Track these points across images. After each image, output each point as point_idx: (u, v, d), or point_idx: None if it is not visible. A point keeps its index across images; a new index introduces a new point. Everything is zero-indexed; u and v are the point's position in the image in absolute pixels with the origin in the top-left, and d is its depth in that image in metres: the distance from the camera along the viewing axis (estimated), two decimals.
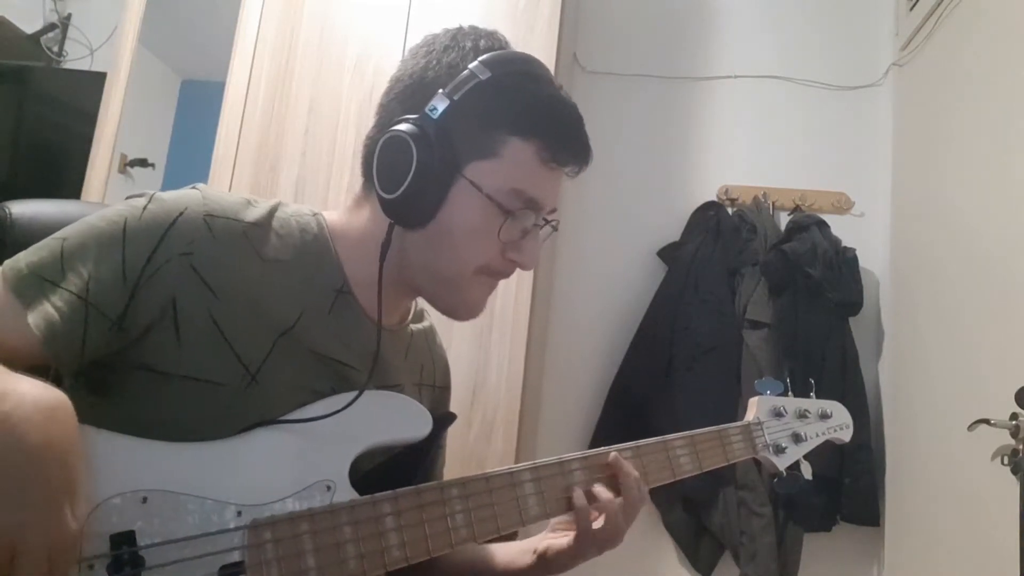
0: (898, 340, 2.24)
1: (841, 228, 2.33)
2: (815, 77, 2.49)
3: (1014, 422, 1.38)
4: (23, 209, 0.92)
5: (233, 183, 2.08)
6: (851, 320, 2.26)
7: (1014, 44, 1.67)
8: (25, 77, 2.62)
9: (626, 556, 2.37)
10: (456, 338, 1.95)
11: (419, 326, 0.99)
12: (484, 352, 1.95)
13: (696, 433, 0.99)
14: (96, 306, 0.73)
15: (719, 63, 2.56)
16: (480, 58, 0.80)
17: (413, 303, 0.99)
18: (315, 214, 0.88)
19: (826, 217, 2.33)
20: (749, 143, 2.51)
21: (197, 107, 2.45)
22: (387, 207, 0.81)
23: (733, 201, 2.43)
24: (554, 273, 2.48)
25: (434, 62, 0.84)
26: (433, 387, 1.01)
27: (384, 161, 0.80)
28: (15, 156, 2.54)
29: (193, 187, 0.82)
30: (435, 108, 0.78)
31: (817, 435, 1.12)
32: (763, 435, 1.06)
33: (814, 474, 2.03)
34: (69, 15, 2.73)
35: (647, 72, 2.56)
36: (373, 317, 0.86)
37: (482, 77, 0.79)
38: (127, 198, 0.80)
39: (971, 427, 1.47)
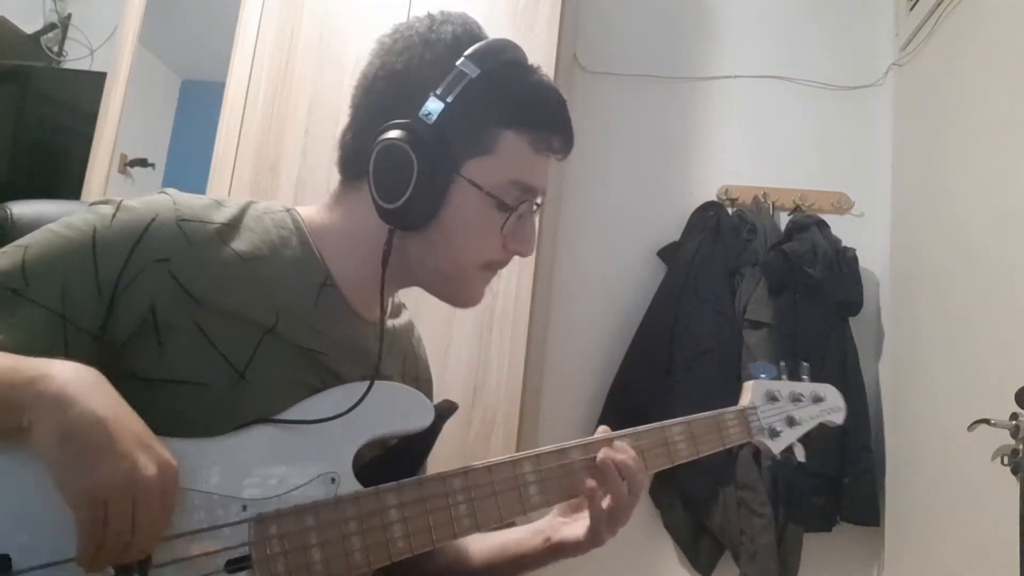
0: (898, 340, 2.24)
1: (841, 228, 2.33)
2: (815, 77, 2.49)
3: (1014, 422, 1.38)
4: (24, 209, 0.91)
5: (233, 183, 2.07)
6: (851, 320, 2.26)
7: (1014, 44, 1.67)
8: (25, 77, 2.61)
9: (626, 556, 2.39)
10: (456, 338, 1.94)
11: (399, 321, 0.99)
12: (484, 352, 1.95)
13: (693, 418, 1.00)
14: (73, 321, 0.71)
15: (719, 63, 2.56)
16: (466, 54, 0.80)
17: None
18: (288, 210, 0.88)
19: (826, 217, 2.34)
20: (749, 143, 2.51)
21: (197, 107, 2.45)
22: (387, 215, 0.80)
23: (733, 201, 2.43)
24: (554, 273, 2.48)
25: (415, 59, 0.83)
26: (417, 380, 1.01)
27: (382, 170, 0.79)
28: (15, 156, 2.54)
29: (162, 191, 0.81)
30: (429, 112, 0.78)
31: (811, 418, 1.13)
32: (758, 419, 1.07)
33: (815, 473, 2.06)
34: (69, 15, 2.73)
35: (647, 72, 2.56)
36: (359, 311, 0.86)
37: (472, 75, 0.79)
38: (91, 204, 0.78)
39: (971, 427, 1.47)
